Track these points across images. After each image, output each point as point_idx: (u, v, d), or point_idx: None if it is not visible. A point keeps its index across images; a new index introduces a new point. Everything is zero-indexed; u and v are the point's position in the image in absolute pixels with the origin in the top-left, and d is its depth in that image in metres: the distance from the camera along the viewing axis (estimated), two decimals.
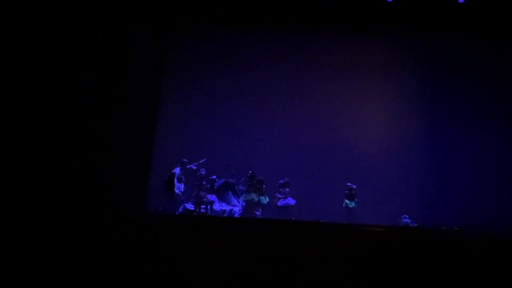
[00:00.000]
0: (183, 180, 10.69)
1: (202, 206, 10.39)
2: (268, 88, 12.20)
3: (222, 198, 10.97)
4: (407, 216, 10.47)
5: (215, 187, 10.75)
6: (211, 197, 10.52)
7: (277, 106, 12.17)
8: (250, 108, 12.15)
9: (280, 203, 10.53)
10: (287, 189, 10.58)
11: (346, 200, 10.55)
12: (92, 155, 8.86)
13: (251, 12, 11.56)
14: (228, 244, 6.59)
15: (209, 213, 10.37)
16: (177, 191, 10.49)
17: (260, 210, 10.34)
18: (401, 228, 9.18)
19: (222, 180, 10.99)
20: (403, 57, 12.09)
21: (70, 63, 8.90)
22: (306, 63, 12.21)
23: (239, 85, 12.20)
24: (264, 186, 10.48)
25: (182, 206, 10.67)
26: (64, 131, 8.74)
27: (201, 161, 11.04)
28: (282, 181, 10.66)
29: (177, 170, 10.62)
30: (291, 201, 10.53)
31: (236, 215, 10.52)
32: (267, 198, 10.50)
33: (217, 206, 10.71)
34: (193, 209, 10.51)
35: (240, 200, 10.60)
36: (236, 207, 10.80)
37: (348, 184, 10.64)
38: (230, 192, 11.03)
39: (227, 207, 10.75)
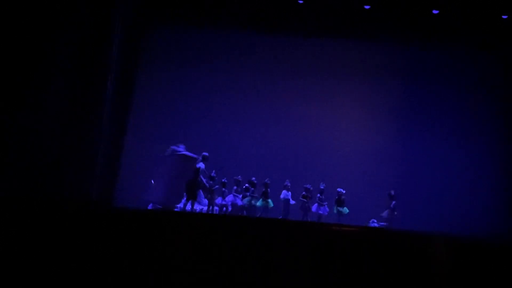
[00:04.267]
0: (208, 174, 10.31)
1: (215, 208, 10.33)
2: (245, 86, 12.30)
3: None
4: (375, 221, 10.62)
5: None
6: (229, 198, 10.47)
7: (252, 104, 12.28)
8: (225, 105, 12.20)
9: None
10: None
11: (338, 207, 10.38)
12: (62, 147, 8.69)
13: (228, 9, 11.64)
14: (197, 241, 6.51)
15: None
16: (207, 185, 10.14)
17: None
18: (370, 229, 9.27)
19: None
20: (385, 63, 12.36)
21: (42, 57, 8.72)
22: (285, 62, 12.39)
23: (214, 82, 12.23)
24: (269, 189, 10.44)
25: (151, 204, 10.50)
26: (35, 125, 8.54)
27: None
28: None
29: (201, 165, 10.19)
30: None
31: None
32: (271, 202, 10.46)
33: (188, 206, 10.57)
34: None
35: (258, 204, 10.34)
36: (206, 206, 10.67)
37: (338, 189, 10.53)
38: (201, 191, 10.89)
39: (197, 206, 10.60)
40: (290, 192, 10.52)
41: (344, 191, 10.46)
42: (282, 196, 10.50)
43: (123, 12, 10.55)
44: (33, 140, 8.56)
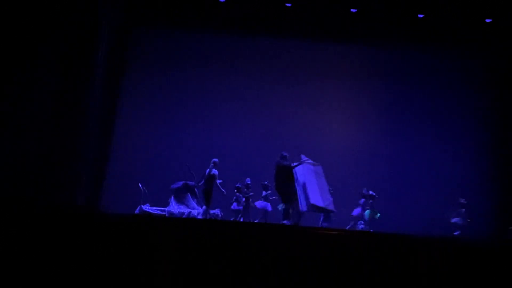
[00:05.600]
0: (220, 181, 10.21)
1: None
2: (232, 88, 12.30)
3: (180, 201, 10.80)
4: (362, 222, 10.67)
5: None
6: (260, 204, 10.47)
7: (239, 106, 12.26)
8: (210, 108, 12.16)
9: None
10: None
11: (369, 210, 10.52)
12: (46, 150, 8.59)
13: (214, 12, 11.64)
14: (184, 246, 6.49)
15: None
16: (223, 190, 10.10)
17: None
18: (356, 232, 9.31)
19: (181, 182, 10.84)
20: (372, 66, 12.51)
21: (28, 59, 8.62)
22: (272, 64, 12.47)
23: (201, 85, 12.23)
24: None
25: (139, 208, 10.45)
26: (19, 128, 8.43)
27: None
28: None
29: (215, 171, 10.03)
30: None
31: (199, 217, 10.38)
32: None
33: (176, 209, 10.54)
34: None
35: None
36: (194, 209, 10.65)
37: (370, 192, 10.69)
38: (189, 194, 10.87)
39: (185, 210, 10.58)
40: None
41: (374, 193, 10.67)
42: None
43: (109, 14, 10.47)
44: (17, 142, 8.45)
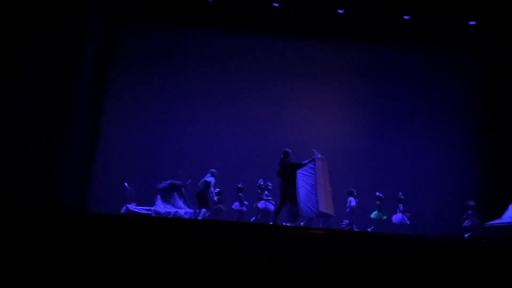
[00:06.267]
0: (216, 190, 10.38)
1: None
2: (217, 87, 12.28)
3: (167, 200, 10.75)
4: (347, 221, 10.68)
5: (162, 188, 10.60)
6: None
7: (227, 105, 12.25)
8: (198, 107, 12.13)
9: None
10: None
11: (376, 212, 10.63)
12: (33, 152, 8.48)
13: (199, 11, 11.65)
14: (172, 246, 6.47)
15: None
16: (215, 198, 10.30)
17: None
18: (343, 232, 9.36)
19: (168, 182, 10.79)
20: (360, 65, 12.58)
21: (13, 58, 8.49)
22: (260, 63, 12.46)
23: (185, 84, 12.18)
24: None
25: (124, 207, 10.38)
26: (5, 128, 8.31)
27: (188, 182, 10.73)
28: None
29: (212, 180, 10.22)
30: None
31: (185, 217, 10.36)
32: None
33: (162, 208, 10.49)
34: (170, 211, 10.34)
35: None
36: (181, 209, 10.62)
37: (377, 194, 10.77)
38: (175, 194, 10.82)
39: (172, 209, 10.53)
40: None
41: (381, 195, 10.72)
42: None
43: (98, 12, 10.38)
44: (3, 143, 8.33)
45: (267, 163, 11.39)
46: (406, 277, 6.13)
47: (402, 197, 10.80)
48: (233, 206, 10.67)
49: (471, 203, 10.55)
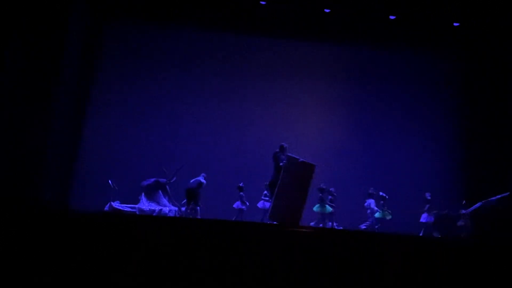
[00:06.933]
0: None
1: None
2: (201, 85, 12.22)
3: (151, 198, 10.69)
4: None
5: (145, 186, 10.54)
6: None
7: (211, 103, 12.20)
8: (182, 105, 12.08)
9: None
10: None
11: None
12: (15, 149, 8.35)
13: (184, 10, 11.60)
14: (155, 244, 6.43)
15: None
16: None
17: None
18: (328, 230, 9.41)
19: (152, 179, 10.73)
20: (343, 64, 12.61)
21: None
22: (244, 61, 12.41)
23: (170, 82, 12.13)
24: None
25: (108, 205, 10.28)
26: None
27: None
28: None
29: (204, 181, 10.27)
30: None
31: (170, 215, 10.30)
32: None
33: (146, 206, 10.43)
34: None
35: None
36: (165, 207, 10.56)
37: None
38: (160, 191, 10.76)
39: (156, 207, 10.48)
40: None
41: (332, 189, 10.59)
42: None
43: (81, 8, 10.26)
44: None
45: (251, 161, 11.47)
46: (398, 277, 6.18)
47: (429, 197, 10.76)
48: (234, 205, 10.59)
49: (428, 196, 10.72)
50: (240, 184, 10.64)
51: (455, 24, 11.77)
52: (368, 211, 10.60)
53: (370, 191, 10.71)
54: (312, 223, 10.19)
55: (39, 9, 8.87)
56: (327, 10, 11.67)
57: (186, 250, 6.22)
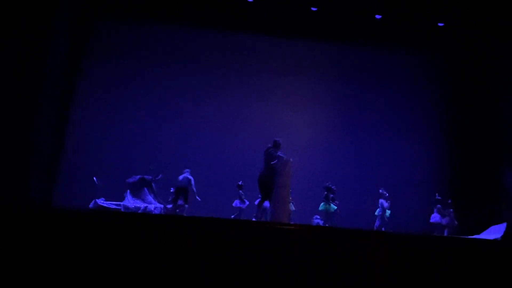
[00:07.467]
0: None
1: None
2: (185, 83, 12.20)
3: (136, 195, 10.63)
4: (318, 217, 10.80)
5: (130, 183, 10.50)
6: None
7: (195, 100, 12.17)
8: (167, 102, 12.02)
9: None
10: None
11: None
12: None
13: (171, 5, 11.54)
14: (141, 241, 6.39)
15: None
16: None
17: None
18: (313, 227, 9.45)
19: (138, 176, 10.67)
20: (331, 63, 12.71)
21: None
22: (231, 59, 12.43)
23: (155, 79, 12.08)
24: None
25: (93, 202, 10.20)
26: None
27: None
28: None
29: (191, 177, 10.27)
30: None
31: (155, 212, 10.26)
32: None
33: (131, 203, 10.37)
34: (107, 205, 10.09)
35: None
36: (151, 204, 10.51)
37: (380, 191, 10.66)
38: (145, 189, 10.70)
39: (141, 204, 10.42)
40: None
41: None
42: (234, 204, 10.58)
43: (68, 3, 10.14)
44: None
45: (236, 159, 11.49)
46: (395, 275, 6.23)
47: (439, 197, 10.83)
48: (233, 204, 10.56)
49: (438, 196, 10.81)
50: (239, 183, 10.62)
51: (439, 24, 11.91)
52: (380, 211, 10.64)
53: (381, 191, 10.74)
54: (317, 220, 10.27)
55: (24, 3, 8.74)
56: (314, 9, 11.71)
57: (186, 249, 6.17)
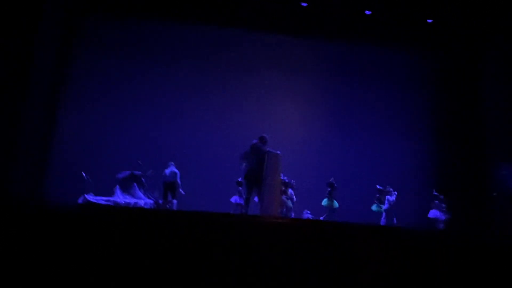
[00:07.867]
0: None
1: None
2: (176, 78, 12.18)
3: (126, 191, 10.57)
4: (308, 212, 10.89)
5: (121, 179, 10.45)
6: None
7: (185, 95, 12.17)
8: (157, 97, 11.99)
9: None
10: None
11: (376, 205, 10.53)
12: None
13: (166, 2, 11.46)
14: (133, 237, 6.36)
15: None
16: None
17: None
18: (304, 221, 9.49)
19: (127, 172, 10.62)
20: (323, 61, 12.74)
21: None
22: (224, 56, 12.38)
23: (145, 74, 12.03)
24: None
25: (82, 197, 10.12)
26: None
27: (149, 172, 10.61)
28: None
29: (177, 170, 10.28)
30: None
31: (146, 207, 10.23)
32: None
33: (121, 199, 10.31)
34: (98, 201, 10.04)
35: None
36: (141, 199, 10.47)
37: (378, 186, 10.78)
38: (135, 184, 10.65)
39: (131, 200, 10.37)
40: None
41: (382, 188, 10.68)
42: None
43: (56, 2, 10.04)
44: None
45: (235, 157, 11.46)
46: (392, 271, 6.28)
47: (436, 193, 10.92)
48: (232, 200, 10.53)
49: (435, 192, 10.94)
50: (239, 179, 10.59)
51: (428, 20, 11.99)
52: (387, 206, 10.73)
53: (387, 189, 10.83)
54: (321, 217, 10.32)
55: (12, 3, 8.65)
56: (304, 4, 11.73)
57: (185, 247, 6.15)
